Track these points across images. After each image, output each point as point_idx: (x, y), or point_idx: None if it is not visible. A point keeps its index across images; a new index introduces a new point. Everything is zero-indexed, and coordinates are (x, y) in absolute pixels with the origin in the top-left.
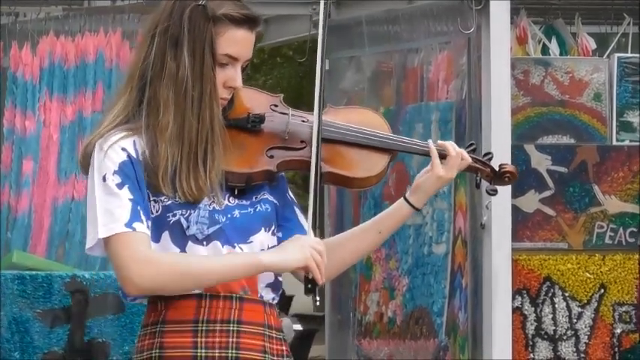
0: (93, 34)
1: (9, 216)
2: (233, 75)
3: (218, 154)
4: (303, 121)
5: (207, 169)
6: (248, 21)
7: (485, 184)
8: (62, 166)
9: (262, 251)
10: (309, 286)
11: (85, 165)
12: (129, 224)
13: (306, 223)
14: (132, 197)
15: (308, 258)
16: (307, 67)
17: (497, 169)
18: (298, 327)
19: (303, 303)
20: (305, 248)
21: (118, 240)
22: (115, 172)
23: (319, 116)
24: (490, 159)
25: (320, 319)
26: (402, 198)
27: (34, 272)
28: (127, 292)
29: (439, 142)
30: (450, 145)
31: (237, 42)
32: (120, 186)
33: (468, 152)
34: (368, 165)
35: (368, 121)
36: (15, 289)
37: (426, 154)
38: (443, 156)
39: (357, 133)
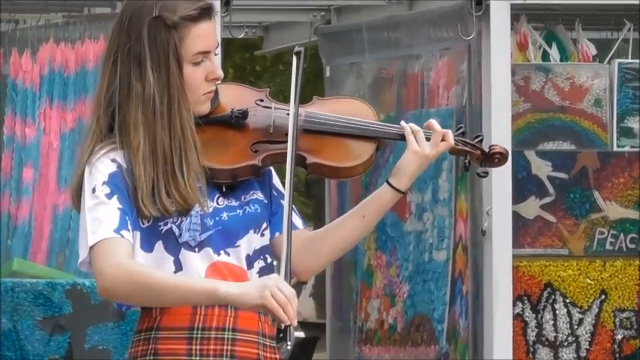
0: (93, 41)
1: (9, 224)
2: (211, 67)
3: (192, 159)
4: (288, 114)
5: (184, 177)
6: (205, 12)
7: (475, 166)
8: (62, 173)
9: (225, 282)
10: (281, 335)
11: (77, 196)
12: (117, 230)
13: (285, 219)
14: (120, 207)
15: (266, 297)
16: (309, 74)
17: (487, 150)
18: (300, 334)
19: (304, 310)
20: (266, 287)
21: (104, 246)
22: (104, 183)
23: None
24: (480, 141)
25: (322, 327)
26: (385, 182)
27: (34, 280)
28: (100, 296)
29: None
30: (432, 123)
31: (203, 36)
32: (109, 196)
33: (457, 135)
34: (354, 154)
35: (354, 110)
36: (15, 297)
37: (403, 139)
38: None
39: (341, 122)
